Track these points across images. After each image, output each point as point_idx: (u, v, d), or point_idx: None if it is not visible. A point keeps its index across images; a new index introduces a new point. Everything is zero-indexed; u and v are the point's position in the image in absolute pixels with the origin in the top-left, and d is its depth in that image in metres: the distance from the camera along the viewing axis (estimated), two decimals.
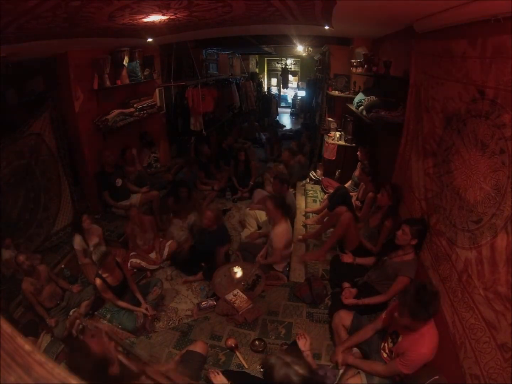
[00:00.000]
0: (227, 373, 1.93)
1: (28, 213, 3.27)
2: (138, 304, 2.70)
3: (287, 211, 3.18)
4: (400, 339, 1.80)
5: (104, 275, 2.57)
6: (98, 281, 2.55)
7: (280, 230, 3.02)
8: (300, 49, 7.26)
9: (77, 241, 3.10)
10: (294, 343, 2.11)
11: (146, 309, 2.66)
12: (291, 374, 1.26)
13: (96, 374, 1.31)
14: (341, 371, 2.04)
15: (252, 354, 2.25)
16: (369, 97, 3.54)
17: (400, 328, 1.79)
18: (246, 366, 2.15)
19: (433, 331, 1.70)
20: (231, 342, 2.28)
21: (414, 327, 1.67)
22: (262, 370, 1.39)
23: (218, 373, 1.81)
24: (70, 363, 1.40)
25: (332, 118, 4.95)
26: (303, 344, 1.89)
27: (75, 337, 2.49)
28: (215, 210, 3.38)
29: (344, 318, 2.21)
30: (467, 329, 1.57)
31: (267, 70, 12.66)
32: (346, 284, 2.56)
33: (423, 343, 1.65)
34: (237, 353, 2.23)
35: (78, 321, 2.57)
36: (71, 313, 2.67)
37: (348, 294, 2.42)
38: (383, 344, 1.96)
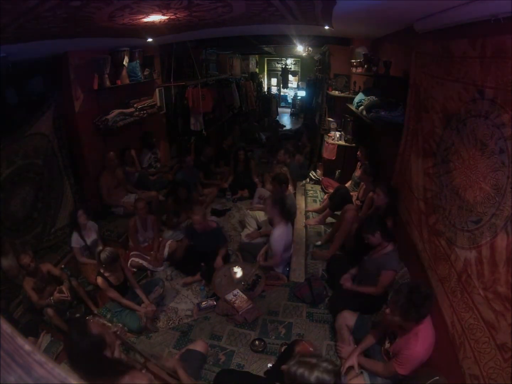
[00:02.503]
0: (229, 373, 1.93)
1: (36, 212, 3.28)
2: (139, 304, 2.69)
3: (288, 213, 3.13)
4: (397, 338, 1.81)
5: (106, 274, 2.57)
6: (99, 280, 2.54)
7: (279, 233, 2.98)
8: (300, 49, 7.25)
9: (75, 238, 3.10)
10: (293, 344, 2.11)
11: (146, 306, 2.65)
12: (325, 376, 1.23)
13: (89, 354, 1.31)
14: (343, 371, 2.04)
15: (252, 354, 2.26)
16: (369, 97, 3.54)
17: (395, 327, 1.80)
18: None
19: (428, 330, 1.71)
20: None
21: (406, 326, 1.69)
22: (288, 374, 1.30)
23: None
24: (65, 340, 1.42)
25: (332, 118, 4.95)
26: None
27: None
28: (200, 212, 3.28)
29: (348, 318, 2.21)
30: (466, 329, 1.57)
31: (267, 70, 12.66)
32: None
33: (416, 342, 1.66)
34: None
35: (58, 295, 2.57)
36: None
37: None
38: (383, 344, 1.97)
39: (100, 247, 3.11)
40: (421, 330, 1.68)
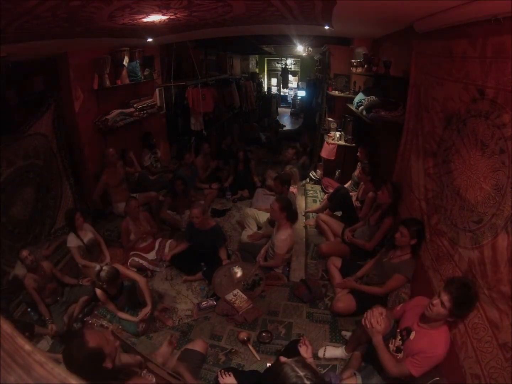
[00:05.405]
0: (233, 372, 1.92)
1: (36, 212, 3.27)
2: (138, 306, 2.66)
3: (293, 216, 3.12)
4: (412, 336, 1.72)
5: (104, 286, 2.54)
6: (98, 292, 2.53)
7: (284, 237, 2.95)
8: (300, 49, 7.27)
9: (71, 238, 3.08)
10: (291, 344, 2.11)
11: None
12: None
13: (88, 367, 1.29)
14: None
15: (252, 354, 2.25)
16: (369, 97, 3.54)
17: (416, 325, 1.72)
18: (258, 359, 2.21)
19: (448, 334, 1.66)
20: (243, 336, 2.33)
21: (438, 322, 1.63)
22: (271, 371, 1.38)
23: (229, 375, 1.77)
24: (64, 353, 1.37)
25: (332, 118, 4.95)
26: (305, 351, 1.77)
27: (73, 330, 2.52)
28: (200, 206, 3.27)
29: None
30: (469, 328, 1.56)
31: (267, 70, 12.67)
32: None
33: (439, 343, 1.61)
34: (250, 346, 2.29)
35: (76, 313, 2.61)
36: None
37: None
38: (391, 341, 1.89)
39: (106, 262, 3.12)
40: (445, 332, 1.62)
